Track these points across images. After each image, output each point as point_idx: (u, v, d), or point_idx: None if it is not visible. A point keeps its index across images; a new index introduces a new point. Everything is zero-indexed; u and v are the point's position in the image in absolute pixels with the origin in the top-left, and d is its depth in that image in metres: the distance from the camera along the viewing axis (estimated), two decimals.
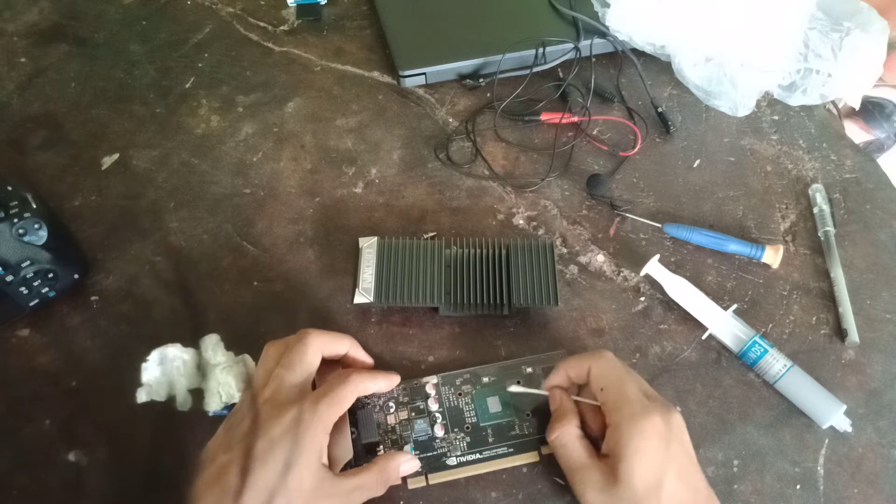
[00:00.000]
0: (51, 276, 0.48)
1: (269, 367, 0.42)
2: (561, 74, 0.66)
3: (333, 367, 0.46)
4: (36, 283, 0.47)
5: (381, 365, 0.49)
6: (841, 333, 0.51)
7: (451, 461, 0.44)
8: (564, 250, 0.55)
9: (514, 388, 0.46)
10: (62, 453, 0.45)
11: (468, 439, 0.45)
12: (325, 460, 0.40)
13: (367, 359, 0.47)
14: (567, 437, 0.42)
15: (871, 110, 1.29)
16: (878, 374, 0.50)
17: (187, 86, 0.65)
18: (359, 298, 0.49)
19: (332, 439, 0.41)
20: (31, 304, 0.48)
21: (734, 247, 0.54)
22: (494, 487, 0.44)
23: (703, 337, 0.50)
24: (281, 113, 0.63)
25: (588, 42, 0.65)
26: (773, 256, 0.53)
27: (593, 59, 0.65)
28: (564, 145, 0.61)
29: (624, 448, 0.39)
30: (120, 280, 0.53)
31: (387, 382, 0.46)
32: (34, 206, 0.47)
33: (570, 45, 0.65)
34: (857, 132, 1.29)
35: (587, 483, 0.40)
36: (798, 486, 0.45)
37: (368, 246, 0.51)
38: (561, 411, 0.44)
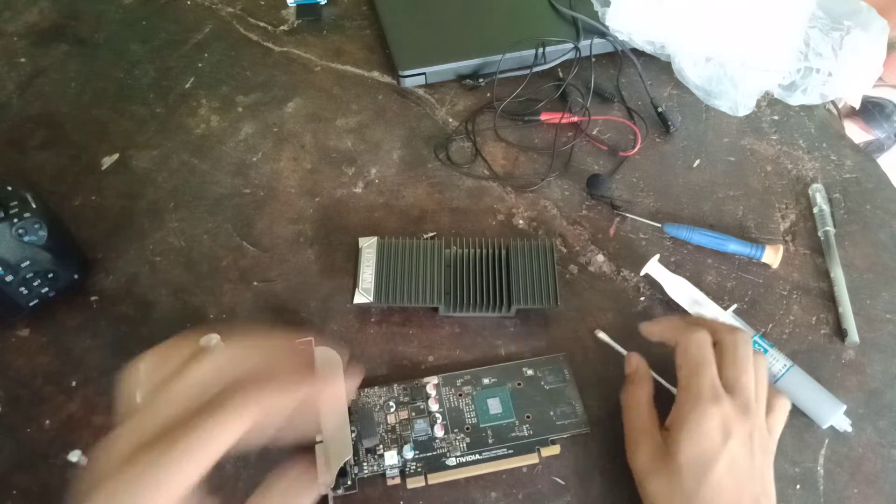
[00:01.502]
0: (51, 276, 0.48)
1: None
2: (561, 74, 0.66)
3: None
4: (36, 283, 0.47)
5: (381, 365, 0.49)
6: (841, 333, 0.51)
7: (451, 461, 0.44)
8: (564, 250, 0.55)
9: (602, 335, 0.49)
10: (62, 453, 0.45)
11: (468, 440, 0.45)
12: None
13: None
14: (637, 399, 0.44)
15: (871, 110, 1.29)
16: (878, 374, 0.50)
17: (187, 86, 0.65)
18: (359, 298, 0.49)
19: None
20: (31, 304, 0.48)
21: (734, 247, 0.54)
22: (494, 487, 0.44)
23: None
24: (281, 113, 0.63)
25: (588, 42, 0.65)
26: (772, 256, 0.53)
27: (593, 59, 0.65)
28: (564, 145, 0.61)
29: (680, 423, 0.40)
30: (120, 280, 0.53)
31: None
32: (34, 206, 0.47)
33: (570, 45, 0.65)
34: (857, 132, 1.29)
35: (641, 447, 0.42)
36: (798, 486, 0.45)
37: (368, 246, 0.51)
38: (637, 374, 0.45)
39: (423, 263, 0.50)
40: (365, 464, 0.44)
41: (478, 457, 0.45)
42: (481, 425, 0.46)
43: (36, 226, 0.46)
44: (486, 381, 0.48)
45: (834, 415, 0.46)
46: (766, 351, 0.48)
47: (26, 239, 0.46)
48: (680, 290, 0.51)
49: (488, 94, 0.65)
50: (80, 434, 0.46)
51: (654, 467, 0.40)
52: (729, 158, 0.61)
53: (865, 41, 0.57)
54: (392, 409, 0.46)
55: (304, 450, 0.40)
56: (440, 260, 0.51)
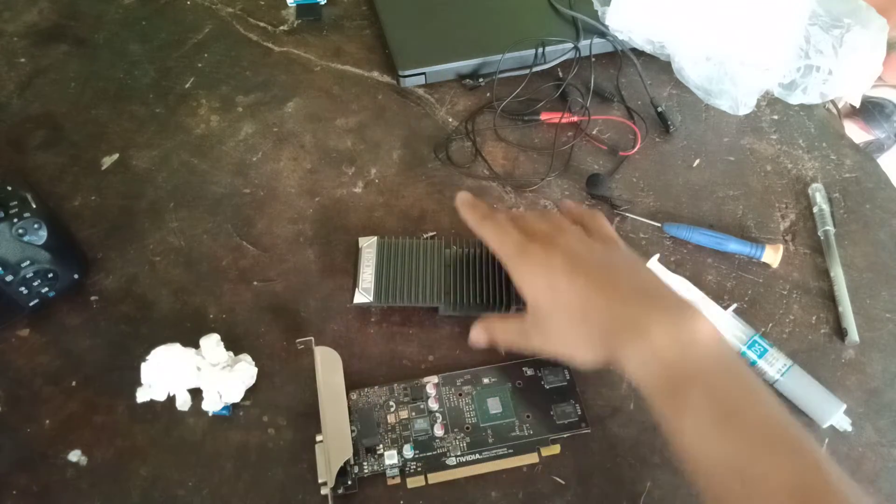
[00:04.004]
0: (51, 276, 0.48)
1: None
2: (560, 74, 0.66)
3: None
4: (36, 283, 0.47)
5: (381, 365, 0.49)
6: (841, 333, 0.51)
7: (451, 461, 0.44)
8: None
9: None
10: (62, 453, 0.45)
11: (468, 439, 0.45)
12: None
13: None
14: (488, 324, 0.47)
15: (871, 110, 1.29)
16: (877, 373, 0.50)
17: (187, 86, 0.65)
18: (358, 298, 0.49)
19: None
20: (31, 304, 0.48)
21: (734, 246, 0.54)
22: (494, 487, 0.44)
23: None
24: (281, 113, 0.63)
25: (588, 41, 0.65)
26: (772, 256, 0.53)
27: (593, 59, 0.65)
28: (564, 145, 0.61)
29: (518, 287, 0.44)
30: (120, 280, 0.53)
31: None
32: (34, 206, 0.47)
33: (570, 45, 0.65)
34: (856, 132, 1.29)
35: (518, 326, 0.45)
36: None
37: (368, 246, 0.51)
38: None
39: (423, 263, 0.50)
40: (365, 463, 0.44)
41: (478, 456, 0.45)
42: (481, 425, 0.46)
43: (36, 226, 0.46)
44: (486, 380, 0.48)
45: (834, 414, 0.46)
46: (765, 351, 0.48)
47: (26, 239, 0.46)
48: (680, 289, 0.51)
49: (488, 94, 0.65)
50: (80, 434, 0.46)
51: (532, 332, 0.44)
52: (729, 158, 0.61)
53: (865, 39, 0.57)
54: (392, 409, 0.46)
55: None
56: (440, 260, 0.51)
